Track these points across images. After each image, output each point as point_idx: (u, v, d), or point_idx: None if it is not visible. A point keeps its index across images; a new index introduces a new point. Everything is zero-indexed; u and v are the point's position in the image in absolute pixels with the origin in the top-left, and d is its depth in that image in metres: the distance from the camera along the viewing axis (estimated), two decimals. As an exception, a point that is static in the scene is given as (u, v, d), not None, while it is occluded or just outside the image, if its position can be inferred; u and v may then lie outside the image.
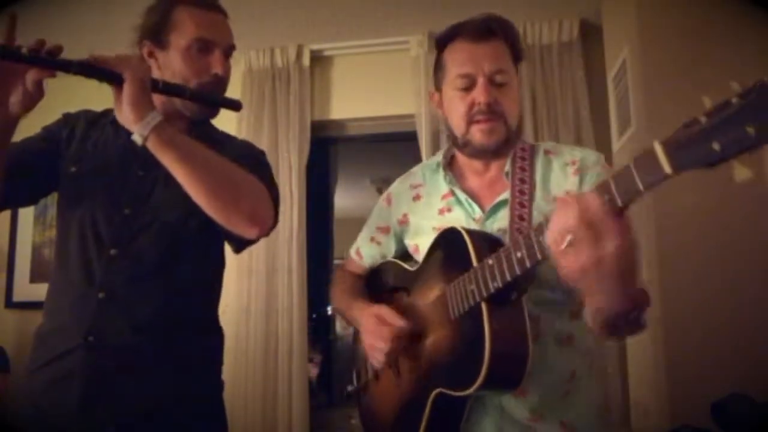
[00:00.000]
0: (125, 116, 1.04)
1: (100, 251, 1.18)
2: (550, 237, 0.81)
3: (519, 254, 0.92)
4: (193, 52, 1.21)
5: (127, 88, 1.03)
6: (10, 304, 3.08)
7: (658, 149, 0.66)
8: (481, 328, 0.99)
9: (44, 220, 3.11)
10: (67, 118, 1.32)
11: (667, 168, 0.65)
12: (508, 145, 1.19)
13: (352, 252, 1.46)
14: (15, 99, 1.03)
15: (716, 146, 0.60)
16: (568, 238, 0.77)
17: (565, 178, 1.17)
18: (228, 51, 1.26)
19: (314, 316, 3.50)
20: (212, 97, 1.23)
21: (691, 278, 1.91)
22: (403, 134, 3.02)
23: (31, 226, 3.13)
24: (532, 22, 2.76)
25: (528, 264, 0.91)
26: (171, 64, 1.22)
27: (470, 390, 1.00)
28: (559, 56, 2.75)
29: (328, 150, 3.31)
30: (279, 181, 1.37)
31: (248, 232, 1.15)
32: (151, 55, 1.24)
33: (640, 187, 0.69)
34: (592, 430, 1.14)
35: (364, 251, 1.43)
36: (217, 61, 1.23)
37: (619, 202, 0.73)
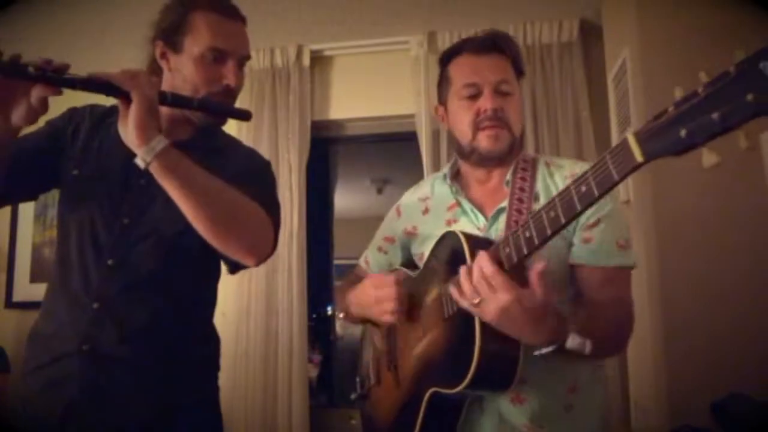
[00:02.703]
0: (130, 138, 1.02)
1: (98, 260, 1.17)
2: (464, 297, 0.96)
3: (507, 250, 0.94)
4: (206, 61, 1.18)
5: (134, 111, 1.01)
6: (10, 304, 3.08)
7: (631, 139, 0.70)
8: (472, 326, 1.00)
9: (44, 220, 3.11)
10: (73, 113, 1.30)
11: (638, 156, 0.69)
12: (511, 153, 1.23)
13: (361, 260, 1.49)
14: (18, 113, 1.02)
15: (683, 133, 0.63)
16: (477, 298, 0.93)
17: None
18: (242, 61, 1.23)
19: (314, 316, 3.50)
20: (220, 108, 1.21)
21: (691, 279, 1.91)
22: (403, 134, 3.02)
23: (31, 226, 3.13)
24: (532, 22, 2.76)
25: (515, 260, 0.93)
26: (182, 69, 1.19)
27: (460, 387, 1.00)
28: (559, 56, 2.75)
29: (328, 150, 3.31)
30: (279, 181, 1.36)
31: (246, 261, 1.16)
32: (163, 56, 1.22)
33: (615, 176, 0.73)
34: None
35: (371, 259, 1.46)
36: (230, 72, 1.20)
37: (596, 193, 0.77)
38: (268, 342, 2.76)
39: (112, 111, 1.28)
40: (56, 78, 0.98)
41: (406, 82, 2.90)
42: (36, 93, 1.00)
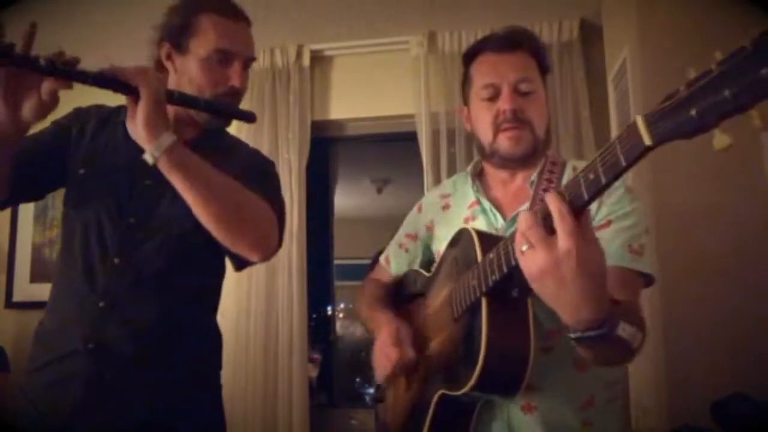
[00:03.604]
0: (138, 134, 1.04)
1: (104, 259, 1.17)
2: (516, 241, 0.81)
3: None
4: (212, 63, 1.20)
5: (142, 107, 1.02)
6: (10, 304, 3.08)
7: (640, 122, 0.64)
8: (480, 324, 0.96)
9: (44, 220, 3.11)
10: (78, 113, 1.30)
11: (647, 139, 0.63)
12: (535, 154, 1.19)
13: (382, 259, 1.47)
14: (28, 107, 1.02)
15: (693, 112, 0.58)
16: (525, 245, 0.77)
17: None
18: (247, 62, 1.25)
19: (314, 316, 3.50)
20: (226, 109, 1.22)
21: (691, 278, 1.91)
22: (403, 134, 3.02)
23: (31, 226, 3.12)
24: (532, 22, 2.75)
25: None
26: (188, 71, 1.21)
27: (465, 389, 0.96)
28: (559, 56, 2.75)
29: (328, 150, 3.31)
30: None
31: (252, 257, 1.16)
32: (168, 57, 1.23)
33: (623, 162, 0.67)
34: None
35: (392, 258, 1.43)
36: (236, 73, 1.21)
37: (603, 181, 0.70)
38: (268, 342, 2.76)
39: (119, 111, 1.29)
40: (67, 71, 0.99)
41: (406, 82, 2.90)
42: (46, 86, 1.00)
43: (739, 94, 0.55)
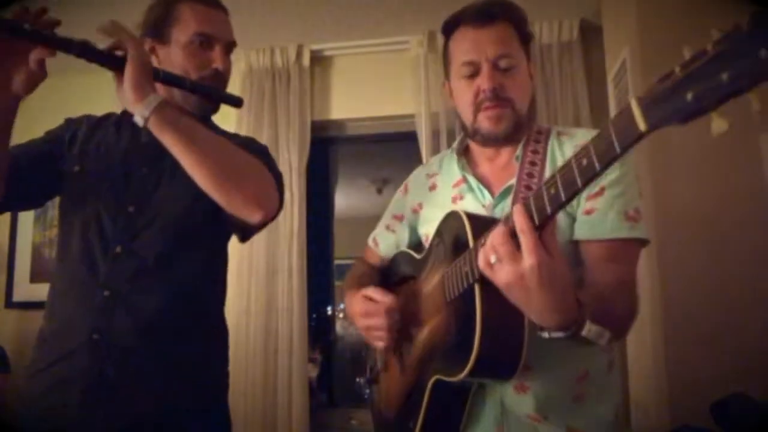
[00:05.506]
0: (127, 97, 1.04)
1: (105, 249, 1.18)
2: (480, 256, 0.85)
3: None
4: (194, 47, 1.22)
5: (128, 69, 1.03)
6: (10, 304, 3.08)
7: (634, 106, 0.62)
8: (474, 311, 0.94)
9: (44, 220, 3.11)
10: (70, 122, 1.33)
11: (642, 125, 0.61)
12: (518, 131, 1.15)
13: (370, 240, 1.46)
14: (18, 79, 1.05)
15: (690, 96, 0.56)
16: (492, 257, 0.82)
17: None
18: (229, 47, 1.27)
19: (314, 316, 3.51)
20: (212, 90, 1.23)
21: (691, 278, 1.91)
22: (403, 134, 3.02)
23: (31, 226, 3.13)
24: (532, 22, 2.74)
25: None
26: (172, 59, 1.22)
27: (461, 375, 0.95)
28: (559, 56, 2.75)
29: (328, 150, 3.31)
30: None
31: (252, 216, 1.13)
32: (152, 51, 1.25)
33: (617, 149, 0.65)
34: None
35: (380, 239, 1.42)
36: (218, 56, 1.24)
37: (598, 167, 0.69)
38: (268, 342, 2.76)
39: (108, 116, 1.33)
40: (53, 38, 1.00)
41: (406, 82, 2.90)
42: (34, 56, 1.03)
43: (737, 77, 0.52)
